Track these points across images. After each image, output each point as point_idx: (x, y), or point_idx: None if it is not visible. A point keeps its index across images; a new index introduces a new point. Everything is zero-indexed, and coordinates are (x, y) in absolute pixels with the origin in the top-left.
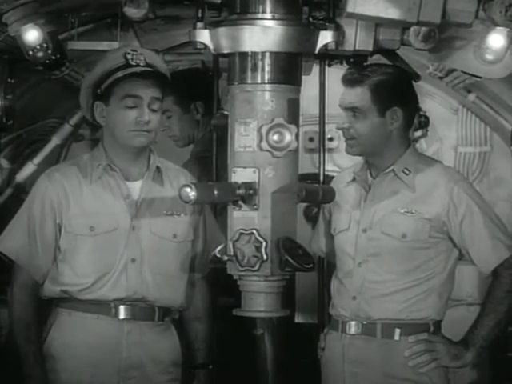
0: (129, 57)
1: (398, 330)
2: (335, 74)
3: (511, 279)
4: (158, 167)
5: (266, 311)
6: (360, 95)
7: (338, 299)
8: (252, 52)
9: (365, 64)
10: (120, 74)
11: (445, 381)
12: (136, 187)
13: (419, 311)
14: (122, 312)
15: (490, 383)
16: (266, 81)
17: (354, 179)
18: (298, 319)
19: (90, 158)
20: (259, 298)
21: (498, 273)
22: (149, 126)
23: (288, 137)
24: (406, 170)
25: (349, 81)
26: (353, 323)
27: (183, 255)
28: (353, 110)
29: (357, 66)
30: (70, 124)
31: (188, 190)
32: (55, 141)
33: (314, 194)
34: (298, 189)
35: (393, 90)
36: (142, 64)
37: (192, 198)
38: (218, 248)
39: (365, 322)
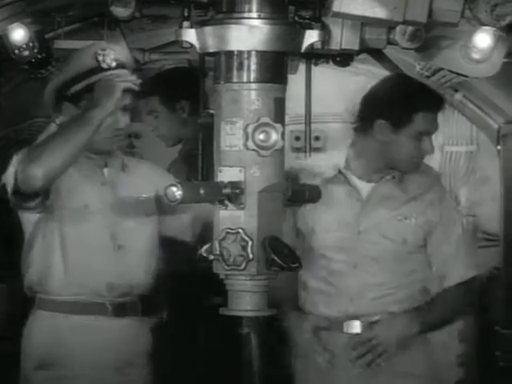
0: (100, 58)
1: None
2: (321, 73)
3: (464, 297)
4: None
5: (252, 310)
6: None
7: (324, 298)
8: (238, 51)
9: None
10: (93, 79)
11: None
12: None
13: None
14: None
15: (478, 381)
16: (252, 80)
17: (339, 179)
18: None
19: None
20: (245, 297)
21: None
22: (122, 130)
23: (274, 136)
24: (401, 177)
25: (440, 105)
26: (353, 323)
27: None
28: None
29: None
30: (56, 123)
31: (174, 189)
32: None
33: (300, 193)
34: (285, 188)
35: None
36: (113, 65)
37: (178, 197)
38: (204, 247)
39: (363, 322)
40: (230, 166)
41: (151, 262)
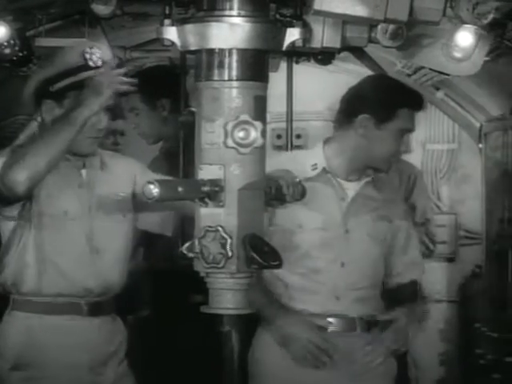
0: (87, 56)
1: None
2: (303, 71)
3: (411, 297)
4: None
5: (233, 308)
6: None
7: (308, 297)
8: (219, 49)
9: None
10: (78, 77)
11: None
12: None
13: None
14: None
15: (459, 379)
16: (233, 77)
17: (322, 177)
18: None
19: None
20: (226, 295)
21: (402, 287)
22: (102, 131)
23: (253, 133)
24: (377, 177)
25: (422, 104)
26: (333, 319)
27: None
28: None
29: None
30: (37, 121)
31: (151, 186)
32: (23, 138)
33: (281, 189)
34: (267, 186)
35: None
36: (99, 63)
37: (155, 194)
38: (186, 245)
39: (346, 318)
40: (210, 164)
41: (126, 261)
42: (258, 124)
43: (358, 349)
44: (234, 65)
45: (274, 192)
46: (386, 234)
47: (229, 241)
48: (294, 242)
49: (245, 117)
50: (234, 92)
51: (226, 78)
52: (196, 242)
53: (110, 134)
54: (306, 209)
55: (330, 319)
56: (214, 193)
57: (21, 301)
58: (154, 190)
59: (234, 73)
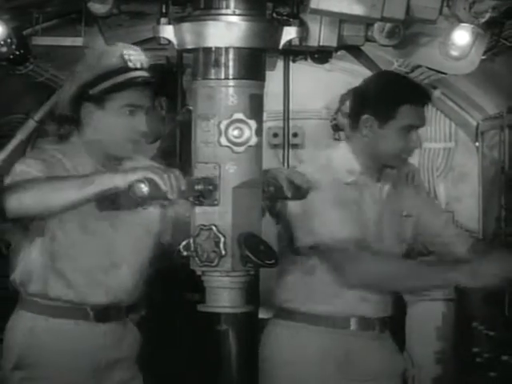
0: (126, 58)
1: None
2: (299, 69)
3: None
4: None
5: (229, 307)
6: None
7: (330, 295)
8: (215, 47)
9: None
10: (120, 78)
11: None
12: None
13: None
14: None
15: (456, 377)
16: (228, 76)
17: (358, 179)
18: (262, 315)
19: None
20: (222, 294)
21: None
22: (143, 135)
23: (247, 132)
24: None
25: (426, 99)
26: (354, 319)
27: None
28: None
29: None
30: (34, 120)
31: (142, 185)
32: (20, 137)
33: (283, 190)
34: (265, 184)
35: None
36: (138, 65)
37: (145, 192)
38: (183, 243)
39: (366, 318)
40: (206, 163)
41: (143, 274)
42: (252, 122)
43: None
44: (230, 63)
45: (274, 191)
46: (409, 230)
47: (222, 239)
48: (324, 242)
49: (239, 115)
50: (230, 90)
51: (222, 76)
52: (190, 241)
53: None
54: (344, 214)
55: (353, 319)
56: (207, 191)
57: (28, 301)
58: (144, 188)
59: (230, 71)
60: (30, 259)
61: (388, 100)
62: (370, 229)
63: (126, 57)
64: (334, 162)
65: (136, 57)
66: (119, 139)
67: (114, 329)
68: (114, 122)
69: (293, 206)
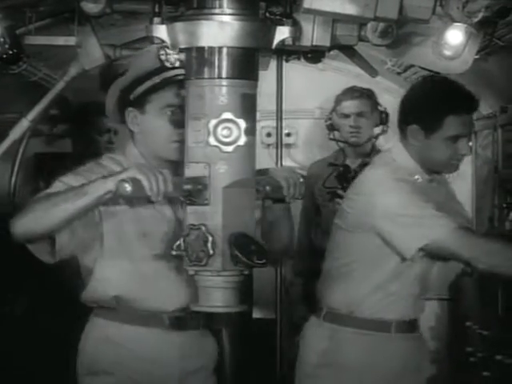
0: (163, 57)
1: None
2: (293, 69)
3: None
4: None
5: (222, 306)
6: (473, 119)
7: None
8: (208, 47)
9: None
10: (156, 79)
11: None
12: None
13: None
14: None
15: (449, 377)
16: (221, 75)
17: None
18: (256, 314)
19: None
20: (214, 293)
21: None
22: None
23: (236, 132)
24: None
25: (472, 108)
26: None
27: None
28: (469, 136)
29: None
30: (27, 119)
31: (126, 184)
32: (13, 136)
33: (280, 189)
34: (261, 184)
35: None
36: (176, 64)
37: (128, 192)
38: (176, 243)
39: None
40: (196, 162)
41: None
42: (241, 122)
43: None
44: (223, 63)
45: (271, 191)
46: None
47: (210, 239)
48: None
49: (227, 115)
50: (220, 90)
51: (215, 75)
52: (181, 241)
53: (104, 133)
54: (436, 207)
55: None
56: (197, 191)
57: (102, 308)
58: (128, 187)
59: (223, 71)
60: (99, 273)
61: (433, 111)
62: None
63: (163, 57)
64: (398, 162)
65: (173, 56)
66: (165, 141)
67: (189, 338)
68: (157, 124)
69: (382, 217)
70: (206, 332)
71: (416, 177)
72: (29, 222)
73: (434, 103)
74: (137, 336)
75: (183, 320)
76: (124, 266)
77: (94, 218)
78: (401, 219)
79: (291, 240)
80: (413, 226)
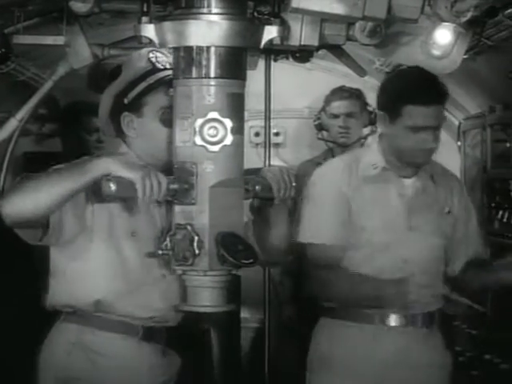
0: (153, 60)
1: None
2: (281, 68)
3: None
4: None
5: (209, 306)
6: (442, 111)
7: None
8: (196, 46)
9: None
10: (150, 80)
11: None
12: None
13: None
14: None
15: None
16: (209, 75)
17: (382, 175)
18: (244, 314)
19: None
20: (202, 293)
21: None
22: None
23: (222, 131)
24: (435, 169)
25: (434, 99)
26: (394, 315)
27: None
28: (437, 128)
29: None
30: (16, 118)
31: (110, 184)
32: (1, 136)
33: (270, 190)
34: (250, 183)
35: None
36: (167, 66)
37: (113, 191)
38: (164, 243)
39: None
40: (183, 162)
41: None
42: (228, 121)
43: (418, 344)
44: (211, 62)
45: (260, 191)
46: (447, 226)
47: (196, 238)
48: (357, 244)
49: (213, 114)
50: (208, 89)
51: (201, 75)
52: (168, 240)
53: (94, 132)
54: (368, 210)
55: (393, 315)
56: (183, 190)
57: (74, 314)
58: (113, 187)
59: (210, 70)
60: (82, 273)
61: (393, 98)
62: (394, 221)
63: (153, 59)
64: (363, 158)
65: (163, 58)
66: (163, 142)
67: (157, 351)
68: (155, 127)
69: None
70: (171, 351)
71: (372, 174)
72: (20, 203)
73: (394, 91)
74: (113, 343)
75: (154, 331)
76: (110, 268)
77: (84, 209)
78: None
79: (290, 237)
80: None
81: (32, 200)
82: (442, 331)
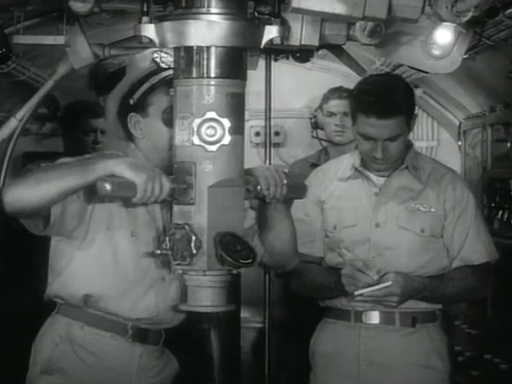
0: (157, 60)
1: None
2: (281, 68)
3: (471, 279)
4: None
5: (209, 306)
6: (399, 124)
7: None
8: (197, 46)
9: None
10: (155, 79)
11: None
12: None
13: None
14: None
15: None
16: (210, 75)
17: (354, 175)
18: (244, 314)
19: None
20: (201, 293)
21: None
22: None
23: (220, 131)
24: (415, 167)
25: (383, 113)
26: (371, 313)
27: None
28: (390, 139)
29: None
30: (16, 118)
31: (106, 184)
32: (1, 135)
33: (259, 189)
34: (252, 184)
35: (412, 98)
36: (172, 65)
37: (108, 191)
38: (163, 242)
39: (383, 312)
40: (182, 162)
41: None
42: (226, 121)
43: (396, 343)
44: (211, 62)
45: (253, 190)
46: (424, 223)
47: (193, 238)
48: (329, 243)
49: (211, 114)
50: (208, 89)
51: (201, 75)
52: (167, 239)
53: (91, 132)
54: (339, 208)
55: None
56: (180, 190)
57: (67, 307)
58: (108, 187)
59: (210, 70)
60: (76, 266)
61: (352, 104)
62: (360, 217)
63: (158, 59)
64: (345, 160)
65: (167, 57)
66: (169, 144)
67: (149, 353)
68: (160, 127)
69: None
70: (164, 350)
71: (347, 175)
72: (22, 193)
73: (354, 97)
74: (99, 340)
75: (145, 332)
76: (103, 265)
77: (85, 205)
78: None
79: (294, 240)
80: None
81: (36, 191)
82: (440, 338)
